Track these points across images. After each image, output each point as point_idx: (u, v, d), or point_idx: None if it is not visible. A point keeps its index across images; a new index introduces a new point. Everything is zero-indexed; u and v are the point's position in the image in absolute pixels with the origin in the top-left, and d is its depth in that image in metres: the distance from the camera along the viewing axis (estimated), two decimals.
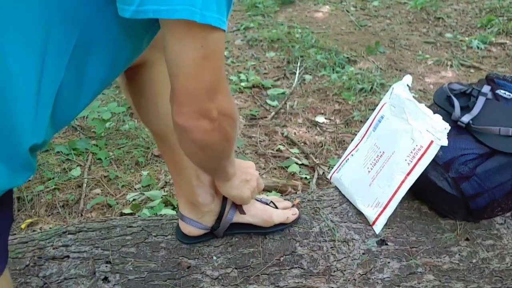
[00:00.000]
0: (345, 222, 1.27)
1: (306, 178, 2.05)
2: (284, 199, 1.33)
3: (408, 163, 1.20)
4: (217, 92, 0.76)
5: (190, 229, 1.17)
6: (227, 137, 0.83)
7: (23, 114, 0.72)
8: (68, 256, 1.16)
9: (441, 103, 1.32)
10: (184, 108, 0.75)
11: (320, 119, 2.53)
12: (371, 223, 1.25)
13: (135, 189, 1.98)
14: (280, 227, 1.22)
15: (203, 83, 0.73)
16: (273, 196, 1.31)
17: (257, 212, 1.20)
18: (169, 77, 0.75)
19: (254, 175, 1.11)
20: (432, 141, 1.17)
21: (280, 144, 2.29)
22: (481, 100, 1.29)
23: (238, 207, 1.17)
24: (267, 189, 1.94)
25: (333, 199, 1.34)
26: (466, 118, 1.24)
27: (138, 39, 0.82)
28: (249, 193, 1.10)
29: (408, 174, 1.20)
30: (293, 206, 1.28)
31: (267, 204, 1.23)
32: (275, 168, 2.12)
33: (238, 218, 1.18)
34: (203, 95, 0.74)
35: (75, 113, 0.85)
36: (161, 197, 1.89)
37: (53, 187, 1.95)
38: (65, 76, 0.75)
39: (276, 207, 1.24)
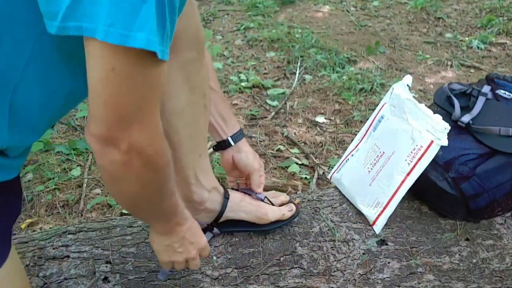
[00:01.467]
0: (345, 222, 1.27)
1: (306, 178, 2.05)
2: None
3: (408, 163, 1.20)
4: (132, 124, 0.67)
5: None
6: (141, 181, 0.73)
7: None
8: (68, 256, 1.16)
9: (441, 103, 1.32)
10: (91, 128, 0.67)
11: (320, 119, 2.53)
12: (371, 223, 1.26)
13: None
14: (277, 225, 1.22)
15: (114, 109, 0.65)
16: (270, 192, 1.31)
17: (252, 209, 1.20)
18: None
19: (189, 254, 1.00)
20: (432, 141, 1.17)
21: (280, 144, 2.29)
22: (481, 100, 1.29)
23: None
24: (267, 189, 1.94)
25: (333, 199, 1.34)
26: (466, 118, 1.24)
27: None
28: (167, 260, 1.01)
29: (408, 174, 1.20)
30: (289, 202, 1.27)
31: (261, 200, 1.23)
32: (275, 168, 2.12)
33: (231, 214, 1.18)
34: (112, 122, 0.66)
35: (49, 119, 0.85)
36: None
37: (53, 187, 1.95)
38: (20, 81, 0.74)
39: (272, 204, 1.23)
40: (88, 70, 0.65)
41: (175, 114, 1.01)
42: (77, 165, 2.10)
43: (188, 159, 1.08)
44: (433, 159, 1.18)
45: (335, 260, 1.21)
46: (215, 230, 1.19)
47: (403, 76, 1.35)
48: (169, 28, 0.65)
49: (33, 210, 1.86)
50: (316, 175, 2.05)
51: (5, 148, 0.79)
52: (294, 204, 1.25)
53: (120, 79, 0.64)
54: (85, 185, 1.97)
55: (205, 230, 1.19)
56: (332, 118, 2.55)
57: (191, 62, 1.00)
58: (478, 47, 3.37)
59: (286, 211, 1.22)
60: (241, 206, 1.19)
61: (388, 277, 1.21)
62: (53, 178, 1.99)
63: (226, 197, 1.17)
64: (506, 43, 3.46)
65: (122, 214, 1.82)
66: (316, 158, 2.18)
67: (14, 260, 0.93)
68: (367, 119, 1.43)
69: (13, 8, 0.69)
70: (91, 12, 0.60)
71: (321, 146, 2.29)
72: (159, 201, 0.84)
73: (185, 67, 0.99)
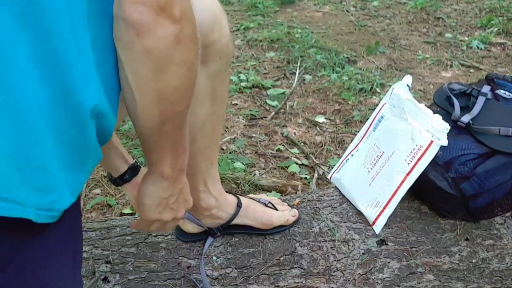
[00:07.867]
0: (345, 222, 1.27)
1: (306, 178, 2.05)
2: (284, 200, 1.33)
3: (408, 163, 1.20)
4: None
5: (188, 227, 1.18)
6: (188, 62, 0.64)
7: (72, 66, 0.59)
8: None
9: (441, 103, 1.32)
10: None
11: (320, 119, 2.53)
12: (371, 223, 1.26)
13: None
14: (279, 229, 1.22)
15: None
16: (274, 198, 1.31)
17: (257, 215, 1.20)
18: None
19: (178, 214, 0.88)
20: (432, 141, 1.17)
21: (280, 144, 2.29)
22: (481, 100, 1.29)
23: None
24: (267, 189, 1.94)
25: (333, 199, 1.34)
26: (466, 118, 1.24)
27: None
28: (154, 218, 0.86)
29: (408, 174, 1.20)
30: (293, 206, 1.28)
31: (265, 205, 1.23)
32: (275, 168, 2.12)
33: (237, 220, 1.18)
34: None
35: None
36: None
37: None
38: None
39: (276, 209, 1.24)
40: None
41: (196, 125, 1.00)
42: None
43: (201, 166, 1.08)
44: (433, 159, 1.18)
45: (335, 260, 1.21)
46: (217, 233, 1.20)
47: (403, 76, 1.35)
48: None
49: None
50: (316, 175, 2.05)
51: (104, 106, 0.65)
52: (296, 209, 1.26)
53: None
54: (85, 185, 1.97)
55: (205, 233, 1.20)
56: (332, 118, 2.55)
57: (219, 73, 0.98)
58: (478, 47, 3.37)
59: (290, 217, 1.23)
60: (248, 212, 1.19)
61: (388, 277, 1.21)
62: None
63: (239, 206, 1.18)
64: (505, 43, 3.46)
65: (122, 214, 1.82)
66: (316, 158, 2.18)
67: None
68: (367, 119, 1.43)
69: None
70: None
71: (321, 146, 2.28)
72: (183, 120, 0.75)
73: (213, 78, 0.97)
